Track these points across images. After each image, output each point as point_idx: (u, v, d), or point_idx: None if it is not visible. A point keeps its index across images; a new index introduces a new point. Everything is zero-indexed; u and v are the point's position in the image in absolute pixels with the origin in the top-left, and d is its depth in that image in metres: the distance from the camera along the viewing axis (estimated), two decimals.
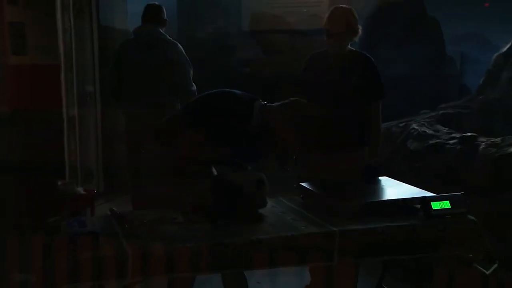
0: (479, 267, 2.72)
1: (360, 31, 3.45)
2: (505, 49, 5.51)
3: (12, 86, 4.67)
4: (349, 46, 3.49)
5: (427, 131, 4.71)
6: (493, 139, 4.17)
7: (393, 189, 3.04)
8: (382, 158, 4.83)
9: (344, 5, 3.51)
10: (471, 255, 2.73)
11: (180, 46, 4.46)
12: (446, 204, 2.68)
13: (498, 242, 3.24)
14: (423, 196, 2.73)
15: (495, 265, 2.71)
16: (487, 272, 2.71)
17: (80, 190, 2.74)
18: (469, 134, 4.43)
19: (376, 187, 3.11)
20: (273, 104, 2.94)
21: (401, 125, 5.06)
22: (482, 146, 4.12)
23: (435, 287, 3.17)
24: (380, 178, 3.24)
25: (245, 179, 2.70)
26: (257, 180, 2.70)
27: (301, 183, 3.10)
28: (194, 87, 4.44)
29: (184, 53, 4.46)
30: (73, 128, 5.66)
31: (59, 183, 2.72)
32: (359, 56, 3.50)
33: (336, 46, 3.45)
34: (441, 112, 5.28)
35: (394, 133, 4.99)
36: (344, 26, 3.39)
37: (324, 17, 3.48)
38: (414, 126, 4.85)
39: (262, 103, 2.92)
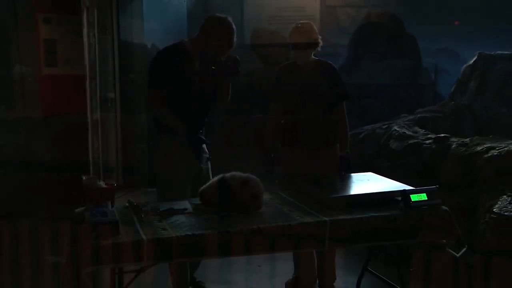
0: (451, 251, 2.70)
1: (320, 42, 3.43)
2: (472, 61, 5.49)
3: (45, 94, 4.67)
4: (313, 56, 3.46)
5: (406, 132, 4.68)
6: (463, 140, 4.14)
7: (377, 183, 3.01)
8: (365, 156, 4.85)
9: (304, 21, 3.52)
10: (444, 241, 2.72)
11: None
12: (423, 196, 2.67)
13: (467, 229, 3.22)
14: (403, 189, 2.71)
15: (464, 249, 2.69)
16: (457, 255, 2.69)
17: (102, 184, 2.69)
18: (442, 135, 4.41)
19: (361, 181, 3.07)
20: None
21: (384, 127, 5.03)
22: (453, 146, 4.09)
23: (413, 268, 3.16)
24: (364, 173, 3.23)
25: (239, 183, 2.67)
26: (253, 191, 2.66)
27: (295, 179, 3.08)
28: None
29: None
30: (96, 130, 5.66)
31: (84, 178, 2.67)
32: (323, 64, 3.48)
33: (301, 57, 3.43)
34: (418, 115, 5.25)
35: (378, 134, 4.97)
36: (306, 39, 3.37)
37: (315, 32, 3.45)
38: (395, 128, 4.82)
39: None
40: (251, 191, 2.64)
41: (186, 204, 2.70)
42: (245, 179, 2.67)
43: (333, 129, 3.43)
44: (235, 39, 3.14)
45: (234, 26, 3.14)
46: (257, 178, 2.72)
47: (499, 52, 5.36)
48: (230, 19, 3.14)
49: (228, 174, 2.71)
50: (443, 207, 2.71)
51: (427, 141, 4.36)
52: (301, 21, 3.53)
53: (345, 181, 3.14)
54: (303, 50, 3.39)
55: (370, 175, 3.19)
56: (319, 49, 3.46)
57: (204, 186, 2.74)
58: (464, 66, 5.60)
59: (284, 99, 3.49)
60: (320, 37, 3.44)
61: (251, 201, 2.62)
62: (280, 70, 3.60)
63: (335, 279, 3.43)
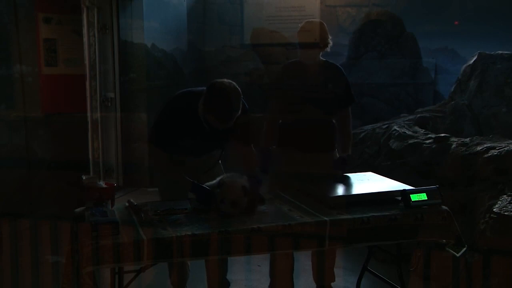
0: (451, 250, 2.71)
1: (330, 42, 3.30)
2: (472, 61, 5.49)
3: (45, 93, 4.67)
4: (320, 57, 3.33)
5: (406, 132, 4.68)
6: (463, 139, 4.14)
7: (377, 183, 3.01)
8: (365, 156, 4.85)
9: (315, 19, 3.37)
10: (444, 240, 2.72)
11: None
12: (423, 196, 2.67)
13: (466, 229, 3.22)
14: (403, 189, 2.72)
15: (464, 249, 2.70)
16: (457, 255, 2.70)
17: (102, 183, 2.69)
18: (442, 134, 4.41)
19: (361, 181, 3.07)
20: None
21: (384, 127, 5.03)
22: (453, 145, 4.09)
23: (413, 267, 3.16)
24: (364, 173, 3.22)
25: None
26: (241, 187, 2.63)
27: (296, 179, 3.07)
28: None
29: None
30: (96, 129, 5.67)
31: (84, 177, 2.67)
32: (331, 66, 3.35)
33: (308, 56, 3.30)
34: (418, 115, 5.25)
35: (378, 134, 4.96)
36: (315, 38, 3.24)
37: (325, 31, 3.30)
38: (395, 127, 4.82)
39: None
40: (220, 196, 2.61)
41: (186, 204, 2.70)
42: (221, 182, 2.65)
43: (332, 134, 3.32)
44: (236, 107, 2.68)
45: (236, 93, 2.69)
46: (237, 183, 2.63)
47: (499, 51, 5.36)
48: (232, 85, 2.70)
49: (227, 175, 2.73)
50: (443, 206, 2.71)
51: (427, 141, 4.36)
52: (310, 19, 3.37)
53: (345, 181, 3.13)
54: (309, 50, 3.26)
55: (370, 174, 3.19)
56: (328, 49, 3.32)
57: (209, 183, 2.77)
58: (464, 65, 5.59)
59: (284, 98, 3.36)
60: (330, 37, 3.30)
61: (220, 204, 2.60)
62: (283, 68, 3.46)
63: (334, 280, 3.38)
